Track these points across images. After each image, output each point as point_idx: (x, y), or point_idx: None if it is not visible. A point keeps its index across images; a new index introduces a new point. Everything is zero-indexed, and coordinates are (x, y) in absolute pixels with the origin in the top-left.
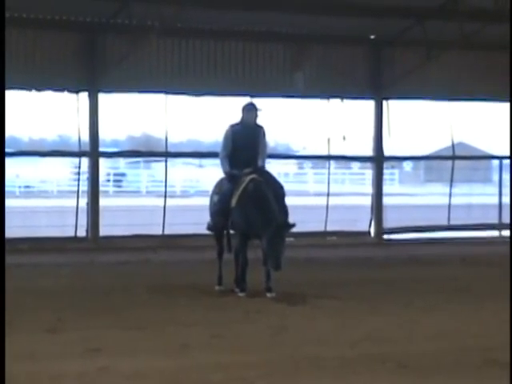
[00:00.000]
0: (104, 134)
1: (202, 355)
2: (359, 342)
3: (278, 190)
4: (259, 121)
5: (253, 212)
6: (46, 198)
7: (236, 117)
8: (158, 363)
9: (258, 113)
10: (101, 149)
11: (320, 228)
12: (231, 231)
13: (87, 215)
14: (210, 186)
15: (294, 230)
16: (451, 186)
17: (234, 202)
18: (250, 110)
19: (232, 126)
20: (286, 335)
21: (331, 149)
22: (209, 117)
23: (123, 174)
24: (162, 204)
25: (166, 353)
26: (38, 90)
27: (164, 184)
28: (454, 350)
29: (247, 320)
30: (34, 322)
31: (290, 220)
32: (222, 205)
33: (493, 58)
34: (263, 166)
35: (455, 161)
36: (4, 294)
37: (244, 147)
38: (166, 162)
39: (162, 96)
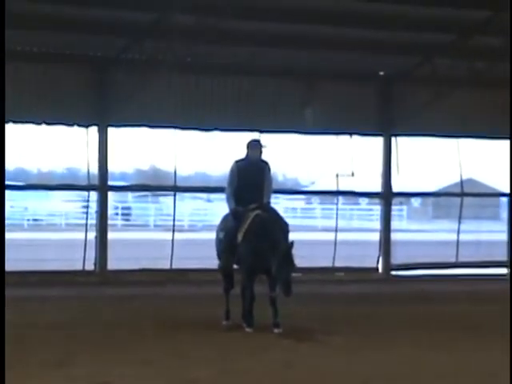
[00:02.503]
0: (113, 167)
1: None
2: (366, 379)
3: (282, 227)
4: (265, 157)
5: (259, 245)
6: (54, 231)
7: (244, 152)
8: None
9: (263, 149)
10: (109, 182)
11: (328, 263)
12: (236, 266)
13: (95, 248)
14: (218, 221)
15: (302, 265)
16: (459, 223)
17: (239, 237)
18: (255, 146)
19: (237, 162)
20: (292, 372)
21: (340, 184)
22: (218, 152)
23: (131, 208)
24: (170, 238)
25: None
26: (48, 123)
27: (172, 218)
28: None
29: (254, 356)
30: (41, 355)
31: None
32: (227, 241)
33: (502, 96)
34: (268, 203)
35: (464, 198)
36: (4, 306)
37: (249, 183)
38: (174, 196)
39: (171, 131)
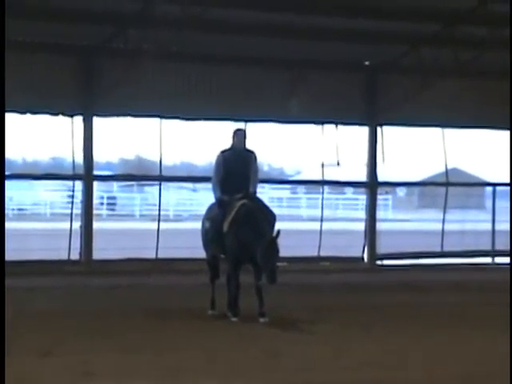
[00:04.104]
0: (98, 157)
1: (194, 380)
2: (353, 367)
3: (268, 216)
4: (251, 146)
5: (245, 234)
6: (39, 221)
7: (229, 142)
8: None
9: (247, 139)
10: (94, 172)
11: (313, 253)
12: (223, 256)
13: (81, 238)
14: (203, 210)
15: (288, 254)
16: (445, 212)
17: (225, 227)
18: (239, 135)
19: (223, 152)
20: (278, 361)
21: (325, 174)
22: (203, 141)
23: (116, 198)
24: (156, 227)
25: (159, 377)
26: (34, 113)
27: (158, 207)
28: (446, 376)
29: (240, 345)
30: (27, 345)
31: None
32: (213, 230)
33: (487, 86)
34: (254, 192)
35: (449, 187)
36: (4, 298)
37: (235, 173)
38: (159, 185)
39: (156, 120)
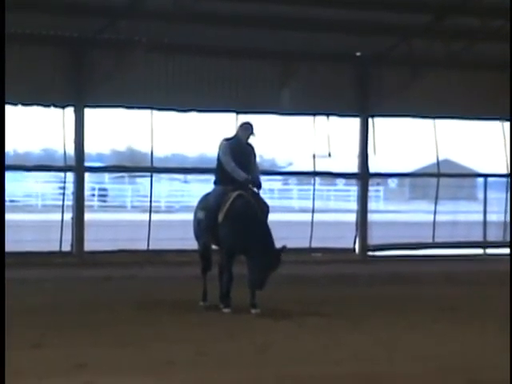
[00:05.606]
0: (89, 148)
1: (186, 372)
2: (344, 360)
3: (263, 208)
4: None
5: (240, 228)
6: (30, 213)
7: (222, 133)
8: (142, 380)
9: (252, 135)
10: (86, 163)
11: (305, 244)
12: (215, 247)
13: (72, 230)
14: (194, 201)
15: (279, 246)
16: (436, 204)
17: (220, 217)
18: (247, 128)
19: (226, 140)
20: (270, 353)
21: (316, 165)
22: (195, 133)
23: (108, 189)
24: (147, 219)
25: (150, 370)
26: (25, 104)
27: (149, 199)
28: (437, 370)
29: (232, 337)
30: (18, 337)
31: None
32: (208, 221)
33: (478, 77)
34: (258, 178)
35: (440, 178)
36: (4, 293)
37: (237, 161)
38: (151, 177)
39: (147, 111)
